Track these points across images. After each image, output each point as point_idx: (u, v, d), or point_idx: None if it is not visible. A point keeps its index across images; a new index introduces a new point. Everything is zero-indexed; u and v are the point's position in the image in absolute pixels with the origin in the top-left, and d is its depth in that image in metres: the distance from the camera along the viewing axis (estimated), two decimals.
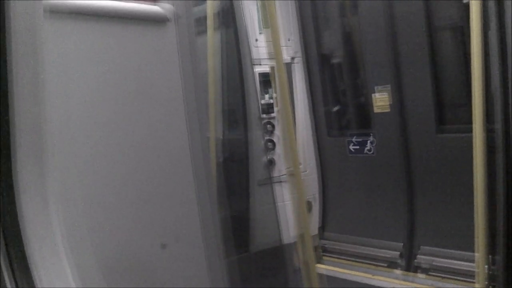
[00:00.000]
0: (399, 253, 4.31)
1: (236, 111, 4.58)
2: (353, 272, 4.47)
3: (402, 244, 4.30)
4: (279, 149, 4.57)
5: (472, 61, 3.26)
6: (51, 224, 1.25)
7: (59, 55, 1.99)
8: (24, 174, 1.20)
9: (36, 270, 1.19)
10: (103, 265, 1.93)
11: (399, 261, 4.30)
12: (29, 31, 1.17)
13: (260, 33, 4.52)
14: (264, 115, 4.57)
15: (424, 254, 4.15)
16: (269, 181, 4.55)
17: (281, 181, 4.53)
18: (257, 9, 4.50)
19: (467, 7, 3.36)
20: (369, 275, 4.37)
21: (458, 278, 3.87)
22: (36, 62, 1.17)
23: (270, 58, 3.44)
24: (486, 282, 3.38)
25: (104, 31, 2.19)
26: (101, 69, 2.17)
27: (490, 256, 3.41)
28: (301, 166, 4.47)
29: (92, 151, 2.11)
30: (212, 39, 4.24)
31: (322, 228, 4.90)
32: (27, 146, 1.19)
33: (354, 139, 4.57)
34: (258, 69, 4.53)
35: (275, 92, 4.27)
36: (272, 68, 3.41)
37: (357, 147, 4.54)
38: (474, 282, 3.47)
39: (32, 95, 1.18)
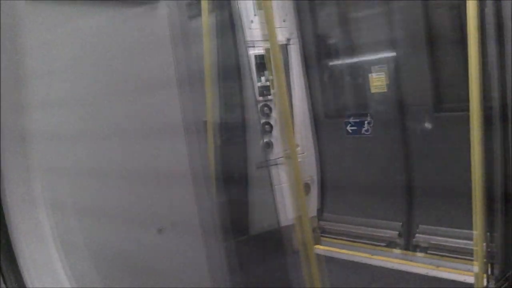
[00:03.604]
0: (398, 232, 4.32)
1: (232, 95, 4.55)
2: (352, 252, 4.49)
3: (401, 223, 4.31)
4: (276, 131, 4.55)
5: (468, 39, 3.22)
6: (39, 220, 1.22)
7: (50, 39, 1.96)
8: (10, 169, 1.17)
9: (26, 269, 1.16)
10: (98, 254, 1.93)
11: (398, 240, 4.32)
12: (9, 19, 1.14)
13: (255, 15, 4.47)
14: (261, 98, 4.54)
15: (422, 233, 4.16)
16: (266, 164, 4.55)
17: (278, 164, 4.53)
18: None
19: None
20: (368, 255, 4.39)
21: (457, 256, 3.87)
22: (17, 50, 1.14)
23: (265, 40, 3.40)
24: (485, 260, 3.39)
25: (93, 13, 2.15)
26: (91, 52, 2.14)
27: (488, 234, 3.42)
28: (298, 148, 4.46)
29: (83, 136, 2.09)
30: (206, 21, 4.20)
31: (321, 209, 4.90)
32: (10, 137, 1.16)
33: (351, 120, 4.55)
34: (253, 52, 4.49)
35: (271, 75, 4.23)
36: (267, 50, 3.36)
37: (355, 127, 4.53)
38: (472, 260, 3.48)
39: (15, 87, 1.15)
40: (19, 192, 1.20)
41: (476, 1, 3.15)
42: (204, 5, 4.12)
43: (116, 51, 2.24)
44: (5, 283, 1.14)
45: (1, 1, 1.14)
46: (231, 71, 4.49)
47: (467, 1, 3.18)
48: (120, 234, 2.18)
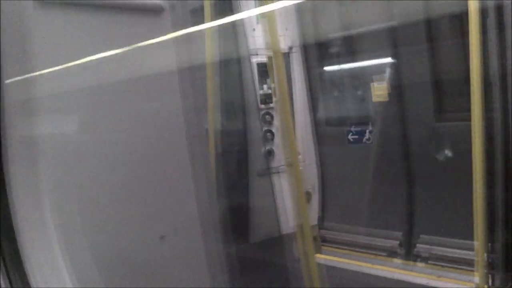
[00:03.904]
0: (398, 242, 4.31)
1: (234, 102, 4.56)
2: (352, 262, 4.47)
3: (402, 233, 4.30)
4: (278, 139, 4.55)
5: (470, 48, 3.23)
6: (45, 221, 1.22)
7: (55, 46, 1.97)
8: (16, 171, 1.18)
9: (30, 268, 1.16)
10: (100, 259, 1.92)
11: (398, 250, 4.30)
12: (17, 21, 1.14)
13: (257, 23, 4.49)
14: (263, 106, 4.56)
15: (423, 243, 4.15)
16: (268, 172, 4.55)
17: (279, 172, 4.53)
18: None
19: None
20: (369, 265, 4.37)
21: (458, 266, 3.86)
22: (26, 56, 1.15)
23: (267, 48, 3.42)
24: (486, 270, 3.38)
25: (98, 21, 2.16)
26: (95, 60, 2.15)
27: (489, 244, 3.41)
28: (300, 157, 4.46)
29: (87, 143, 2.10)
30: (209, 29, 4.21)
31: (322, 218, 4.90)
32: (18, 142, 1.16)
33: (353, 129, 4.55)
34: (256, 59, 4.51)
35: (273, 82, 4.25)
36: (269, 58, 3.39)
37: (356, 136, 4.53)
38: (473, 271, 3.47)
39: (22, 90, 1.16)
40: (25, 193, 1.20)
41: (478, 2, 3.16)
42: (207, 13, 4.14)
43: (120, 58, 2.25)
44: (10, 283, 1.14)
45: (10, 2, 1.15)
46: (233, 79, 4.50)
47: (469, 2, 3.19)
48: (123, 239, 2.17)
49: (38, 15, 1.28)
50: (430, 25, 3.90)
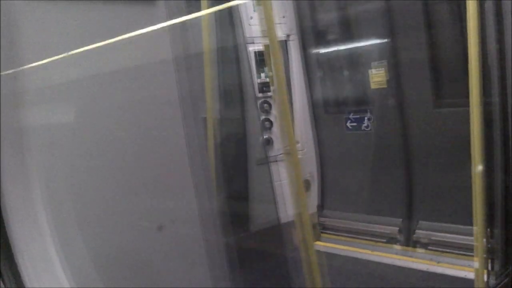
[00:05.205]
0: (398, 228, 4.32)
1: (232, 91, 4.55)
2: (352, 249, 4.49)
3: (401, 219, 4.31)
4: (276, 128, 4.55)
5: (468, 33, 3.21)
6: (38, 219, 1.21)
7: (47, 37, 1.95)
8: (7, 166, 1.16)
9: (24, 268, 1.14)
10: (97, 253, 1.92)
11: (398, 236, 4.32)
12: (8, 17, 1.13)
13: (254, 11, 4.46)
14: (261, 94, 4.54)
15: (423, 229, 4.16)
16: (266, 161, 4.55)
17: (278, 160, 4.53)
18: None
19: None
20: (368, 251, 4.39)
21: (457, 252, 3.88)
22: (16, 48, 1.13)
23: (264, 36, 3.38)
24: (485, 256, 3.38)
25: (91, 11, 2.15)
26: (90, 51, 2.13)
27: (488, 230, 3.42)
28: (298, 145, 4.46)
29: (82, 133, 2.09)
30: (206, 18, 4.18)
31: (321, 205, 4.91)
32: (8, 135, 1.15)
33: (351, 116, 4.54)
34: (253, 48, 4.49)
35: (271, 71, 4.22)
36: (266, 46, 3.35)
37: (355, 123, 4.52)
38: (472, 256, 3.48)
39: (13, 86, 1.14)
40: (17, 191, 1.19)
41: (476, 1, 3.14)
42: (204, 1, 4.10)
43: (114, 49, 2.23)
44: (3, 283, 1.12)
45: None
46: (230, 68, 4.48)
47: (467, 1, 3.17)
48: (119, 232, 2.17)
49: (29, 8, 1.26)
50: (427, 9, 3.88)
